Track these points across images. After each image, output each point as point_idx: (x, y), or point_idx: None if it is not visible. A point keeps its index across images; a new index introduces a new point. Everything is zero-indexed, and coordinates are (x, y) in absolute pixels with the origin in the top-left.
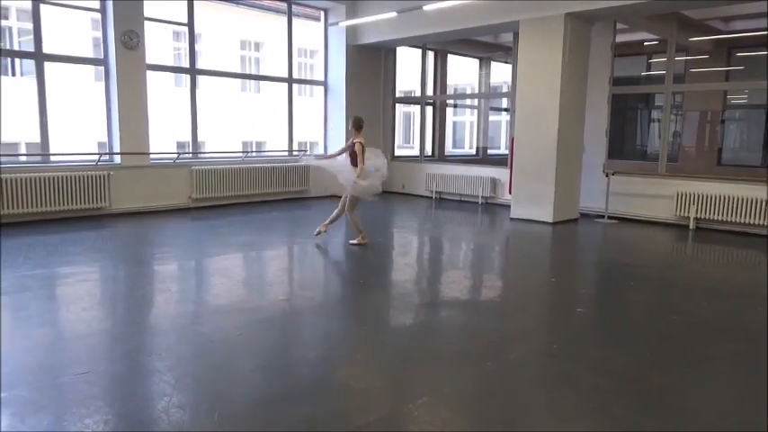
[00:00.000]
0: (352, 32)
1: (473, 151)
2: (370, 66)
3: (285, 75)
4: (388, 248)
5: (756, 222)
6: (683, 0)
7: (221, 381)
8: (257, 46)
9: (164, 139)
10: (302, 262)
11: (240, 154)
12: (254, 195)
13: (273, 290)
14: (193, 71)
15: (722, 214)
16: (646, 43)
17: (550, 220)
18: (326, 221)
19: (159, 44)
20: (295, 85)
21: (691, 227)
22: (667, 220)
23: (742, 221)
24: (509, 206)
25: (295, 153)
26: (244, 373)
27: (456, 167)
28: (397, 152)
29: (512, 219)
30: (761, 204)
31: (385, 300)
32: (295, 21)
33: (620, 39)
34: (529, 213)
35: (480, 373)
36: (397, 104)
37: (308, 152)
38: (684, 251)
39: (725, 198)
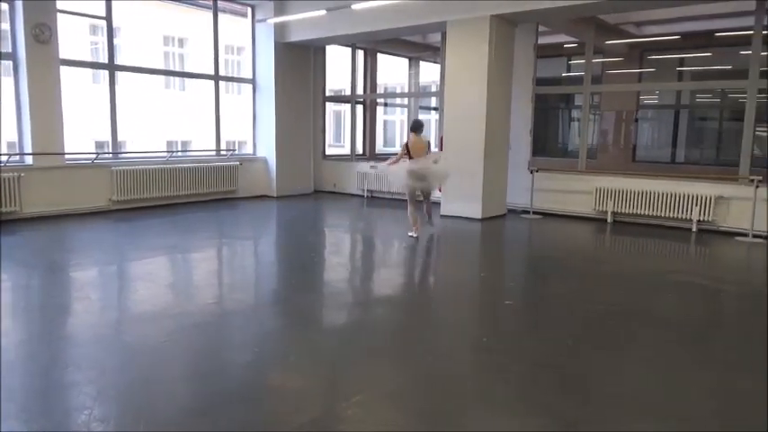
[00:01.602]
0: (280, 30)
1: None
2: (299, 64)
3: (211, 72)
4: (320, 247)
5: (667, 215)
6: (600, 2)
7: (148, 390)
8: (181, 42)
9: (81, 138)
10: (231, 264)
11: (164, 154)
12: (179, 196)
13: (202, 293)
14: (112, 67)
15: (636, 208)
16: (565, 45)
17: (479, 217)
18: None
19: (74, 38)
20: (222, 83)
21: (609, 220)
22: (587, 215)
23: (654, 214)
24: (439, 203)
25: (223, 152)
26: (172, 381)
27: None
28: (328, 151)
29: (442, 215)
30: (671, 198)
31: (317, 299)
32: (221, 16)
33: (542, 41)
34: (458, 210)
35: (413, 368)
36: (327, 103)
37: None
38: (603, 243)
39: (639, 193)
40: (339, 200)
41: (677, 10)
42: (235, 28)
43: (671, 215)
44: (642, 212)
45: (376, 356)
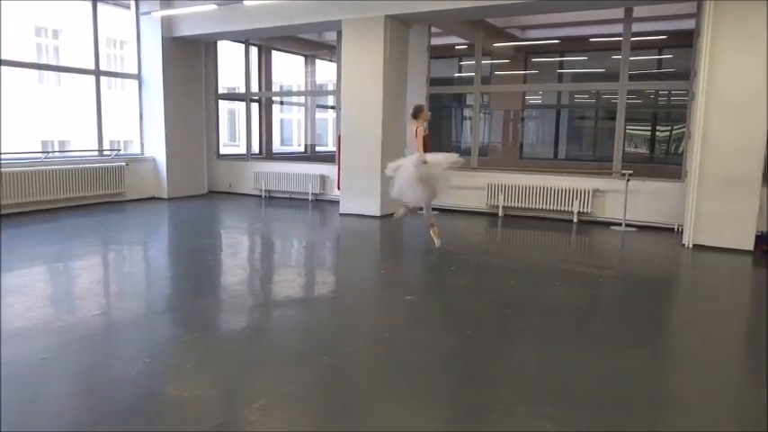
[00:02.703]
0: (167, 23)
1: (301, 149)
2: (189, 59)
3: (91, 66)
4: (216, 250)
5: (551, 208)
6: (482, 2)
7: (27, 413)
8: (56, 33)
9: None
10: (120, 271)
11: (39, 154)
12: (58, 201)
13: (86, 304)
14: None
15: (524, 202)
16: (457, 47)
17: (378, 214)
18: (433, 231)
19: None
20: (104, 78)
21: (500, 214)
22: (480, 210)
23: (540, 208)
24: (338, 202)
25: (106, 152)
26: (56, 400)
27: (285, 165)
28: (223, 150)
29: (341, 214)
30: (554, 192)
31: (214, 304)
32: (101, 7)
33: (434, 42)
34: (358, 208)
35: (317, 368)
36: (220, 101)
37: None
38: (495, 237)
39: (526, 188)
40: (235, 200)
41: (557, 16)
42: (117, 20)
43: (555, 208)
44: (529, 206)
45: (278, 359)
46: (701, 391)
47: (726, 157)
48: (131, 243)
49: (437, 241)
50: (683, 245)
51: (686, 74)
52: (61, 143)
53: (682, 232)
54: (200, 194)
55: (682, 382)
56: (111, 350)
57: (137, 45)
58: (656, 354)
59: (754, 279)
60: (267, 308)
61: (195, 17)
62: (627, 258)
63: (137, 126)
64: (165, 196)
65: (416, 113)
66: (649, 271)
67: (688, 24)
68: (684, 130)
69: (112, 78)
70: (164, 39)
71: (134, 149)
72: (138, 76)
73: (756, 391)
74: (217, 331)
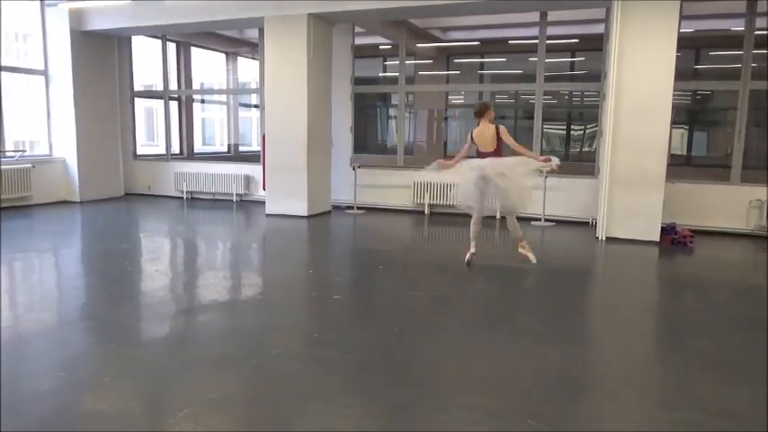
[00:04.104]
0: (76, 16)
1: (224, 148)
2: (101, 55)
3: None
4: (135, 256)
5: None
6: (401, 3)
7: None
8: None
9: None
10: (28, 280)
11: None
12: None
13: None
14: None
15: (450, 200)
16: (381, 47)
17: (305, 214)
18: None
19: None
20: (5, 74)
21: (426, 212)
22: (407, 208)
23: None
24: (264, 202)
25: (9, 153)
26: None
27: (207, 165)
28: (141, 151)
29: (267, 215)
30: None
31: (134, 311)
32: None
33: (359, 41)
34: (284, 209)
35: (245, 373)
36: (136, 99)
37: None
38: (422, 234)
39: (451, 186)
40: (155, 203)
41: (477, 18)
42: (18, 11)
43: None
44: (455, 203)
45: (204, 365)
46: (617, 373)
47: (634, 154)
48: (40, 250)
49: (532, 257)
50: (597, 238)
51: (597, 76)
52: None
53: (596, 226)
54: (116, 197)
55: (599, 366)
56: (19, 365)
57: (42, 39)
58: (574, 341)
59: (661, 267)
60: (191, 313)
61: (107, 10)
62: (546, 252)
63: (44, 125)
64: (78, 199)
65: (481, 111)
66: (567, 263)
67: (598, 28)
68: (597, 129)
69: (15, 74)
70: (72, 32)
71: (41, 150)
72: (45, 72)
73: (670, 369)
74: (136, 340)
